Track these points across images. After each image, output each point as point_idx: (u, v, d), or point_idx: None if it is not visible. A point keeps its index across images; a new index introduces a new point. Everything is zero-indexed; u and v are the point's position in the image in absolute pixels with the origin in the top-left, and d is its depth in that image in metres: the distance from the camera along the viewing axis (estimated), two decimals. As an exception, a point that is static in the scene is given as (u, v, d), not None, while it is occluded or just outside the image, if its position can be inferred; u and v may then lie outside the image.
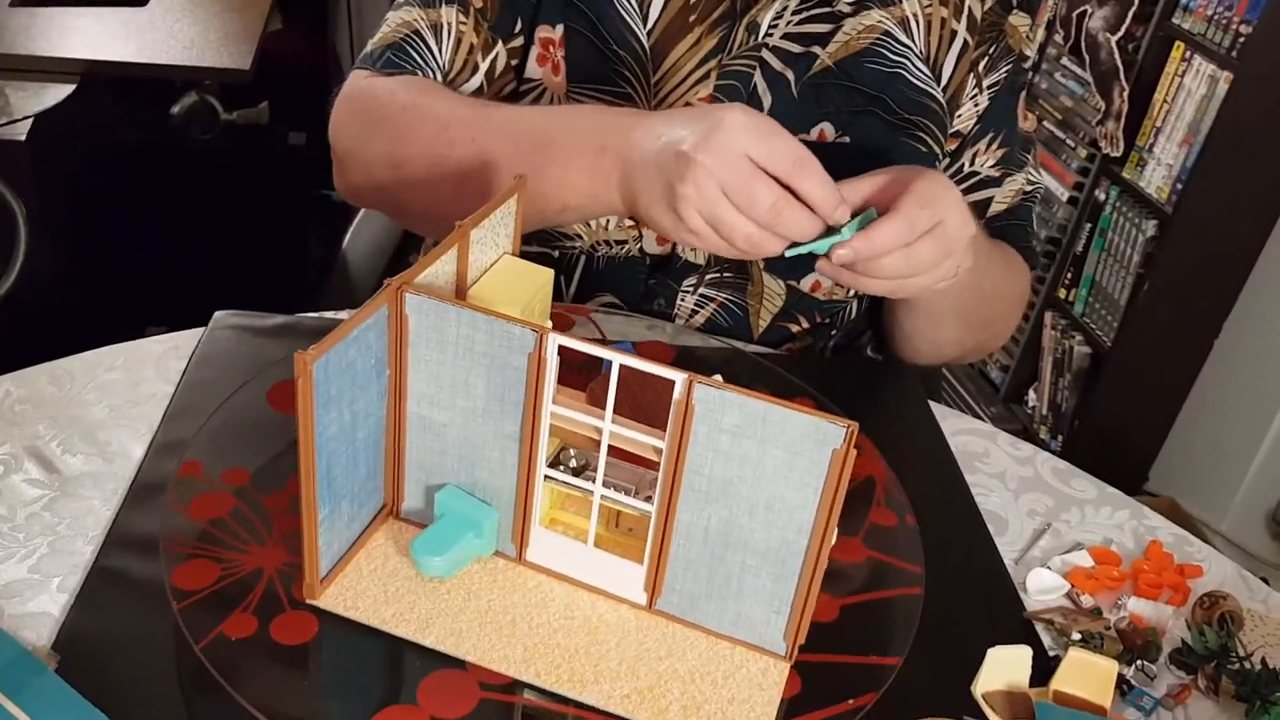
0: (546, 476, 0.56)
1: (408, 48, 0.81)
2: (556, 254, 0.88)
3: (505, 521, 0.58)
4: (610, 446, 0.54)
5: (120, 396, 0.70)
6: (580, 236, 0.87)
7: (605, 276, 0.89)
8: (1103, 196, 1.94)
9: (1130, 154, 1.87)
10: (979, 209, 0.89)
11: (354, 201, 0.89)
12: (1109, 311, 1.93)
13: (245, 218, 1.89)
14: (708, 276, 0.88)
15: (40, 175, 1.35)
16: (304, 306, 0.83)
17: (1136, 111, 1.84)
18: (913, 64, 0.83)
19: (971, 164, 0.89)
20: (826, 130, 0.83)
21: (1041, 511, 0.73)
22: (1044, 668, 0.56)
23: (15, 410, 0.68)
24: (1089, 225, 1.97)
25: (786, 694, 0.54)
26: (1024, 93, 0.90)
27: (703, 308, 0.89)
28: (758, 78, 0.81)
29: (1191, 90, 1.75)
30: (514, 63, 0.84)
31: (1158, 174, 1.82)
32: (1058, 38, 2.01)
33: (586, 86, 0.83)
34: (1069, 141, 2.01)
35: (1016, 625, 0.62)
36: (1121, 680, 0.57)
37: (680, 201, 0.64)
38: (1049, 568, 0.66)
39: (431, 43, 0.82)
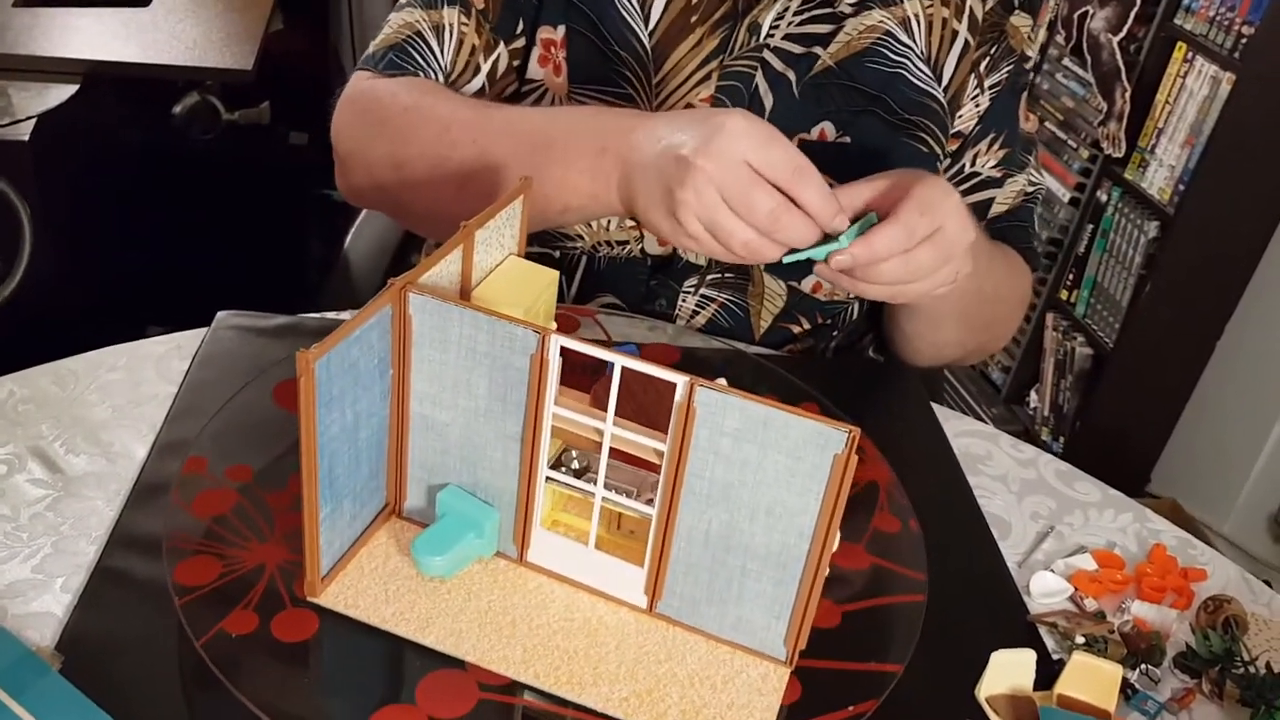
0: (548, 478, 0.56)
1: (410, 49, 0.82)
2: (558, 254, 0.88)
3: (506, 522, 0.58)
4: (612, 449, 0.54)
5: (123, 397, 0.70)
6: (581, 237, 0.87)
7: (606, 277, 0.88)
8: (1104, 197, 1.93)
9: (1132, 155, 1.87)
10: (980, 210, 0.89)
11: (356, 202, 0.89)
12: (1111, 313, 1.93)
13: (246, 218, 1.89)
14: (709, 277, 0.88)
15: (43, 175, 1.35)
16: (305, 306, 0.83)
17: (1138, 112, 1.84)
18: (914, 64, 0.83)
19: (972, 165, 0.89)
20: (827, 130, 0.83)
21: (1044, 514, 0.72)
22: (1048, 671, 0.56)
23: (19, 410, 0.68)
24: (1091, 226, 1.97)
25: (786, 700, 0.53)
26: (1025, 93, 0.90)
27: (704, 309, 0.89)
28: (759, 78, 0.81)
29: (1193, 91, 1.75)
30: (515, 64, 0.84)
31: (1160, 175, 1.82)
32: (1059, 38, 2.01)
33: (588, 87, 0.83)
34: (1070, 142, 2.01)
35: (1020, 628, 0.62)
36: (1125, 684, 0.57)
37: (679, 206, 0.64)
38: (1052, 571, 0.66)
39: (433, 44, 0.82)
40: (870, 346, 0.99)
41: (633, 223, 0.86)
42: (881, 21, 0.82)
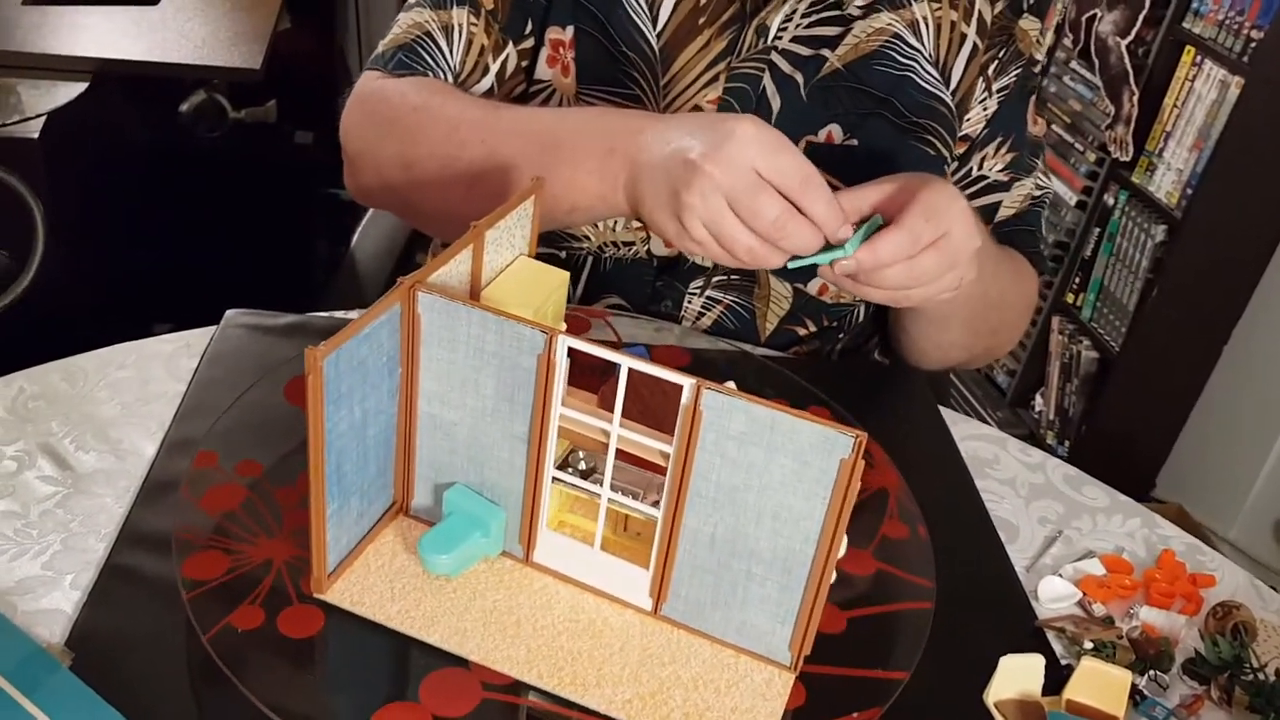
0: (554, 478, 0.56)
1: (419, 49, 0.82)
2: (564, 255, 0.88)
3: (513, 522, 0.58)
4: (619, 450, 0.54)
5: (132, 394, 0.70)
6: (588, 238, 0.87)
7: (612, 278, 0.89)
8: (1112, 201, 1.93)
9: (1140, 159, 1.87)
10: (987, 213, 0.89)
11: (365, 202, 0.89)
12: (1117, 316, 1.92)
13: (252, 216, 1.89)
14: (715, 279, 0.88)
15: (52, 173, 1.35)
16: (311, 305, 0.83)
17: (1146, 116, 1.84)
18: (922, 67, 0.83)
19: (980, 168, 0.89)
20: (834, 132, 0.83)
21: (1053, 519, 0.72)
22: (1056, 677, 0.56)
23: (29, 407, 0.68)
24: (1098, 230, 1.96)
25: (790, 705, 0.53)
26: (1033, 97, 0.90)
27: (710, 310, 0.89)
28: (766, 80, 0.81)
29: (1202, 95, 1.75)
30: (524, 64, 0.84)
31: (1167, 179, 1.82)
32: (1067, 41, 2.00)
33: (596, 88, 0.83)
34: (1078, 145, 2.01)
35: (1028, 633, 0.62)
36: (1134, 690, 0.57)
37: (685, 210, 0.64)
38: (1061, 576, 0.66)
39: (442, 44, 0.82)
40: (876, 349, 0.99)
41: (639, 224, 0.86)
42: (890, 24, 0.82)
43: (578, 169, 0.71)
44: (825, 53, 0.81)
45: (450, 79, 0.82)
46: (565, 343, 0.52)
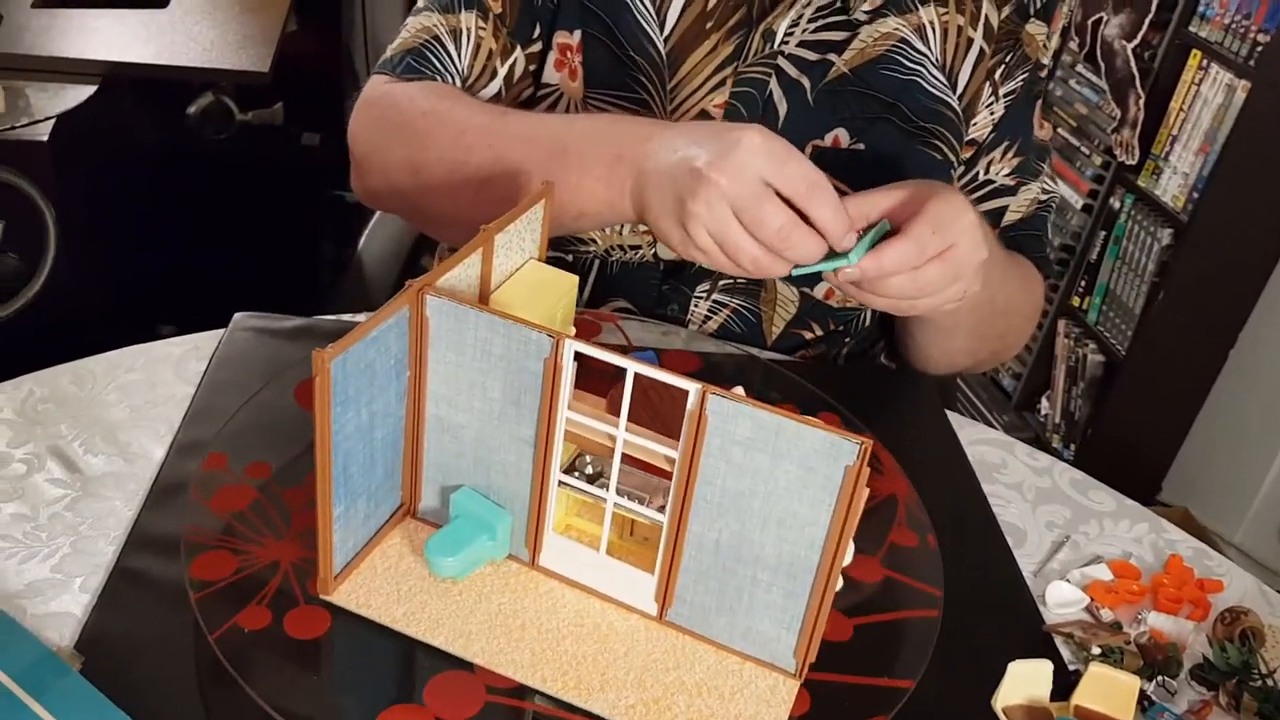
0: (560, 482, 0.56)
1: (427, 53, 0.82)
2: (570, 258, 0.88)
3: (519, 525, 0.58)
4: (627, 455, 0.54)
5: (140, 397, 0.70)
6: (594, 241, 0.87)
7: (619, 282, 0.89)
8: (1117, 204, 1.93)
9: (1146, 162, 1.87)
10: (993, 218, 0.89)
11: (372, 205, 0.89)
12: (1123, 320, 1.92)
13: (259, 218, 1.90)
14: (721, 283, 0.88)
15: (61, 175, 1.36)
16: (317, 307, 0.83)
17: (1152, 119, 1.84)
18: (928, 71, 0.83)
19: (986, 172, 0.89)
20: (841, 137, 0.83)
21: (1060, 523, 0.72)
22: (1063, 682, 0.56)
23: (38, 410, 0.68)
24: (1103, 233, 1.96)
25: (795, 712, 0.53)
26: (1040, 101, 0.90)
27: (716, 314, 0.89)
28: (773, 85, 0.82)
29: (1208, 99, 1.75)
30: (532, 68, 0.85)
31: (1173, 182, 1.82)
32: (1073, 45, 2.00)
33: (603, 92, 0.83)
34: (1084, 149, 2.01)
35: (1035, 639, 0.62)
36: (1142, 696, 0.57)
37: (690, 218, 0.64)
38: (1068, 581, 0.66)
39: (451, 48, 0.82)
40: (882, 353, 0.99)
41: (646, 228, 0.86)
42: (896, 29, 0.82)
43: (585, 175, 0.71)
44: (832, 57, 0.82)
45: (458, 83, 0.82)
46: (572, 347, 0.52)
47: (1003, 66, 0.85)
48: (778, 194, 0.63)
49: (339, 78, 2.29)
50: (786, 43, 0.81)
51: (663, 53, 0.81)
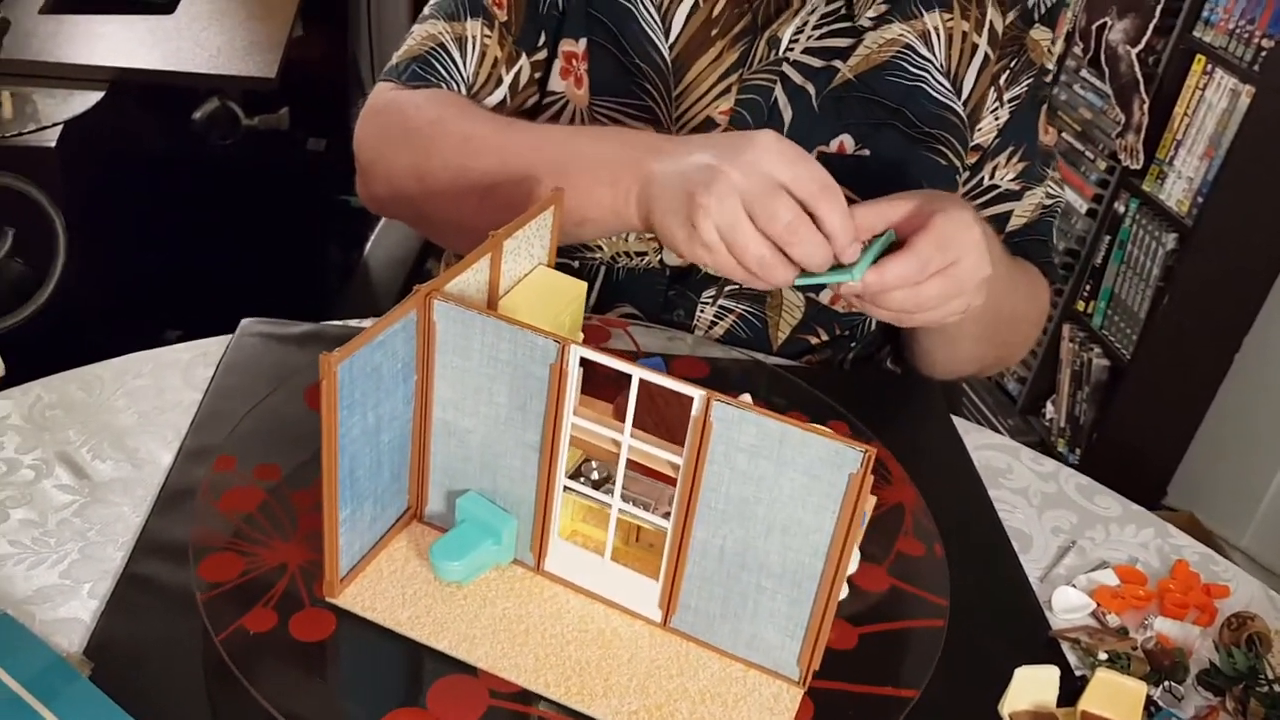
0: (566, 488, 0.56)
1: (433, 61, 0.82)
2: (577, 264, 0.89)
3: (524, 530, 0.58)
4: (633, 461, 0.54)
5: (148, 403, 0.71)
6: (600, 248, 0.87)
7: (625, 287, 0.89)
8: (1122, 209, 1.93)
9: (1150, 167, 1.87)
10: (999, 223, 0.89)
11: (377, 212, 0.90)
12: (1128, 324, 1.92)
13: (265, 223, 1.90)
14: (727, 288, 0.88)
15: (69, 181, 1.36)
16: (324, 312, 0.83)
17: (1157, 124, 1.84)
18: (933, 77, 0.83)
19: (991, 177, 0.89)
20: (846, 143, 0.83)
21: (1066, 529, 0.72)
22: (1070, 688, 0.56)
23: (46, 416, 0.69)
24: (1108, 237, 1.96)
25: (798, 720, 0.53)
26: (1045, 106, 0.90)
27: (722, 319, 0.89)
28: (778, 91, 0.82)
29: (1212, 103, 1.75)
30: (537, 75, 0.85)
31: (1178, 187, 1.82)
32: (1077, 50, 2.00)
33: (609, 100, 0.83)
34: (1088, 154, 2.01)
35: (1042, 644, 0.62)
36: (1149, 701, 0.57)
37: (699, 211, 0.64)
38: (1074, 586, 0.66)
39: (456, 56, 0.82)
40: (888, 358, 0.99)
41: (651, 234, 0.86)
42: (901, 35, 0.82)
43: (590, 181, 0.71)
44: (837, 64, 0.82)
45: (463, 90, 0.83)
46: (577, 352, 0.52)
47: (1007, 72, 0.85)
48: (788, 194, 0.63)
49: (345, 83, 2.30)
50: (791, 49, 0.81)
51: (668, 60, 0.82)
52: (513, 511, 0.58)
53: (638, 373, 0.51)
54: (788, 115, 0.82)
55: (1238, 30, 1.70)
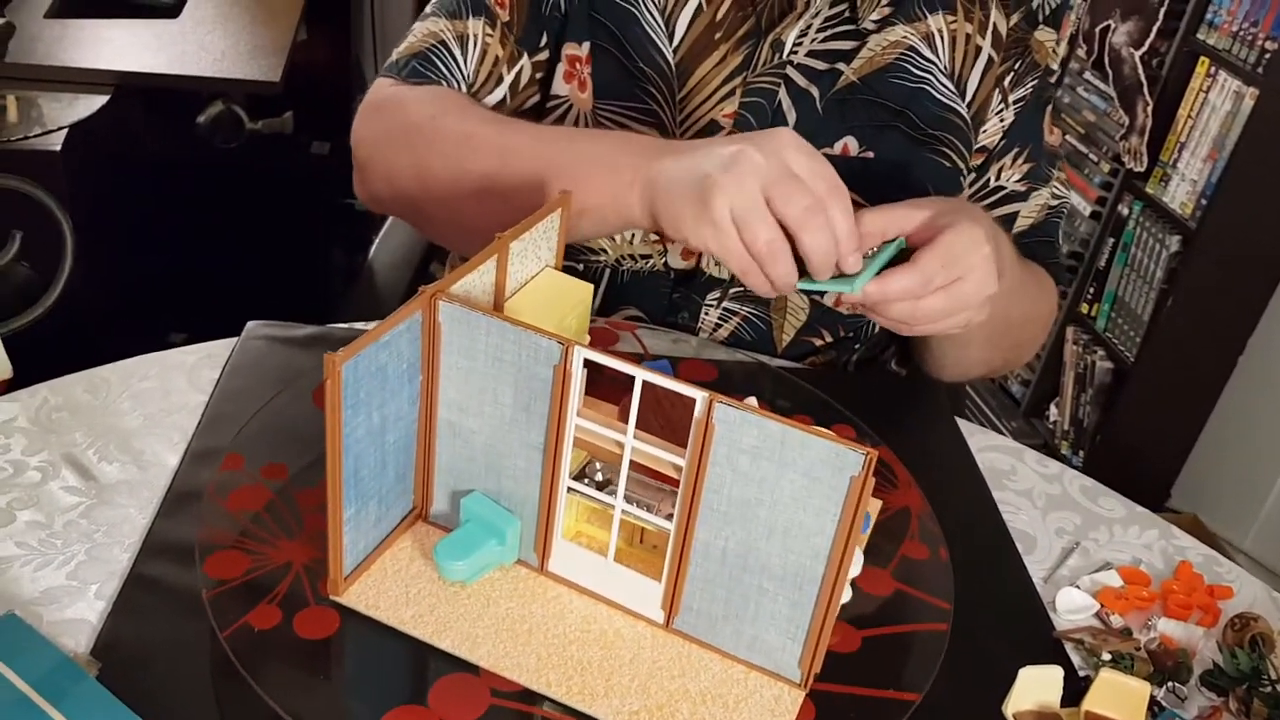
0: (569, 489, 0.56)
1: (433, 58, 0.82)
2: (581, 267, 0.89)
3: (528, 531, 0.58)
4: (638, 463, 0.54)
5: (154, 405, 0.71)
6: (605, 250, 0.87)
7: (629, 290, 0.89)
8: (1126, 211, 1.93)
9: (1154, 169, 1.87)
10: (1005, 224, 0.89)
11: (374, 208, 0.89)
12: (1131, 327, 1.92)
13: (269, 227, 1.91)
14: (731, 291, 0.88)
15: (74, 185, 1.37)
16: (328, 315, 0.83)
17: (1160, 127, 1.84)
18: (937, 79, 0.83)
19: (997, 179, 0.89)
20: (850, 145, 0.83)
21: (1070, 530, 0.72)
22: (1074, 688, 0.56)
23: (52, 418, 0.69)
24: (1112, 240, 1.96)
25: (799, 723, 0.53)
26: (1049, 107, 0.90)
27: (726, 321, 0.89)
28: (782, 94, 0.82)
29: (1216, 106, 1.75)
30: (539, 76, 0.85)
31: (1181, 189, 1.82)
32: (1081, 52, 2.00)
33: (612, 103, 0.83)
34: (1092, 156, 2.01)
35: (1046, 645, 0.62)
36: (1152, 701, 0.57)
37: (715, 189, 0.63)
38: (1078, 587, 0.66)
39: (457, 54, 0.82)
40: (892, 359, 0.99)
41: (656, 236, 0.86)
42: (905, 37, 0.82)
43: (590, 173, 0.70)
44: (840, 66, 0.82)
45: (463, 88, 0.83)
46: (581, 354, 0.52)
47: (1012, 73, 0.85)
48: None
49: (349, 87, 2.30)
50: (795, 52, 0.82)
51: (672, 63, 0.82)
52: (517, 512, 0.58)
53: (640, 374, 0.51)
54: (792, 118, 0.82)
55: (1241, 33, 1.70)
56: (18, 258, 1.31)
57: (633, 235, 0.86)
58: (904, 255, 0.67)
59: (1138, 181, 1.90)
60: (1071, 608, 0.65)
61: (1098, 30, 1.95)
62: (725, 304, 0.89)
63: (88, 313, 1.49)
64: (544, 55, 0.84)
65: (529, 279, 0.63)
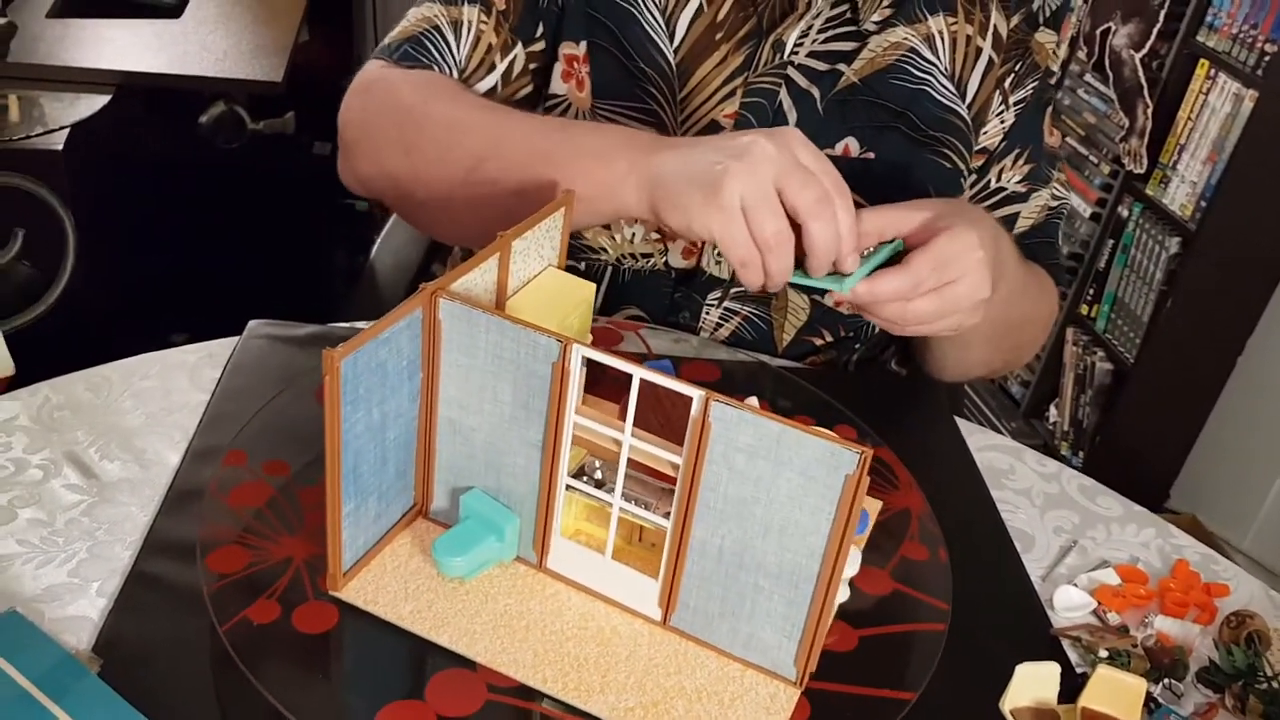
0: (568, 486, 0.56)
1: (426, 42, 0.82)
2: (583, 266, 0.89)
3: (527, 528, 0.58)
4: (634, 461, 0.55)
5: (156, 404, 0.71)
6: (606, 250, 0.87)
7: (631, 289, 0.89)
8: (1126, 213, 1.93)
9: (1154, 171, 1.87)
10: (1006, 225, 0.89)
11: (358, 190, 0.87)
12: (1131, 328, 1.92)
13: (271, 227, 1.91)
14: (732, 290, 0.88)
15: (76, 184, 1.37)
16: (330, 315, 0.83)
17: (1160, 129, 1.84)
18: (938, 81, 0.83)
19: (998, 180, 0.89)
20: (851, 146, 0.84)
21: (1068, 529, 0.73)
22: (1071, 685, 0.56)
23: (54, 416, 0.69)
24: (1112, 242, 1.96)
25: (794, 721, 0.53)
26: (1050, 109, 0.90)
27: (727, 321, 0.89)
28: (783, 95, 0.82)
29: (1216, 108, 1.75)
30: (532, 66, 0.85)
31: (1181, 191, 1.82)
32: (1081, 54, 2.01)
33: (611, 103, 0.83)
34: (1092, 158, 2.01)
35: (1043, 642, 0.62)
36: (1149, 698, 0.57)
37: (727, 175, 0.63)
38: (1076, 585, 0.66)
39: (450, 39, 0.82)
40: (893, 359, 0.99)
41: (657, 235, 0.86)
42: (906, 38, 0.82)
43: (582, 162, 0.70)
44: (841, 67, 0.82)
45: (454, 74, 0.82)
46: (580, 352, 0.52)
47: (1012, 75, 0.86)
48: None
49: (350, 87, 2.30)
50: (796, 53, 0.82)
51: (672, 64, 0.82)
52: (516, 509, 0.58)
53: (638, 372, 0.52)
54: (792, 118, 0.83)
55: (1241, 35, 1.71)
56: (20, 256, 1.32)
57: (634, 234, 0.86)
58: (901, 256, 0.67)
59: (1137, 183, 1.90)
60: (1069, 605, 0.65)
61: (1098, 32, 1.95)
62: (726, 304, 0.89)
63: (89, 311, 1.49)
64: (539, 46, 0.84)
65: (531, 277, 0.63)
